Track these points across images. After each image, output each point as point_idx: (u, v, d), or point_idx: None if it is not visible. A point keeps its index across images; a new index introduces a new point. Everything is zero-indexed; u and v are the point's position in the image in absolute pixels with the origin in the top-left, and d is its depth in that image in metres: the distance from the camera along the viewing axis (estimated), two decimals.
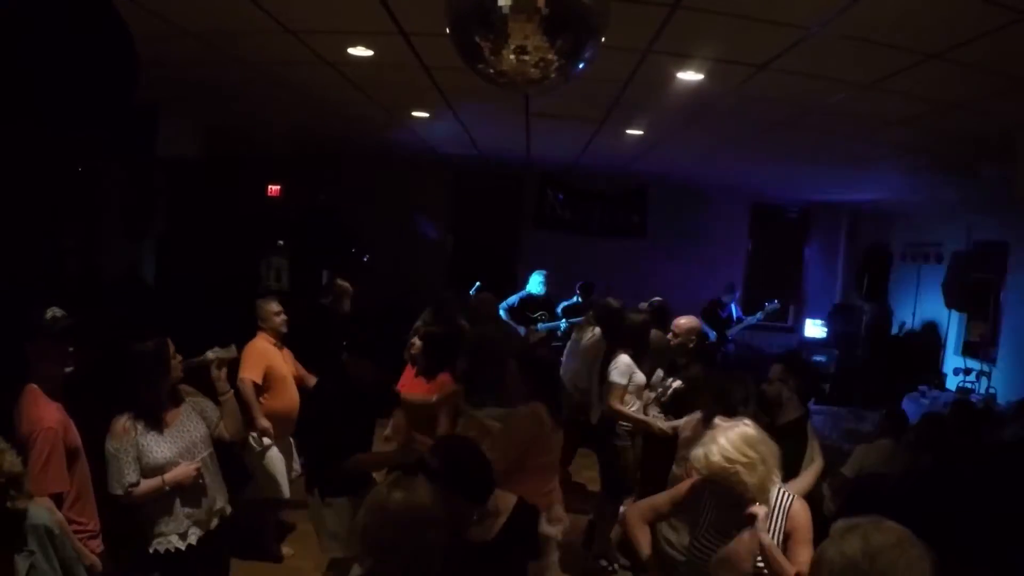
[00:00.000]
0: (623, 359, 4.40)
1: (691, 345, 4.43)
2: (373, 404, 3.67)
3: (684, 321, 4.51)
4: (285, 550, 4.51)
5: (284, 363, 4.45)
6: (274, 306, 4.48)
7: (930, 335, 8.42)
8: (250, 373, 4.20)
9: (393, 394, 3.88)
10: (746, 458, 2.24)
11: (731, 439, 2.27)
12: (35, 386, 2.62)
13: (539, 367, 3.27)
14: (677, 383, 4.23)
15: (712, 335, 8.71)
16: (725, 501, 2.33)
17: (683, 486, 2.59)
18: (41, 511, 2.23)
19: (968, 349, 7.71)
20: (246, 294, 8.19)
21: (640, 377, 4.44)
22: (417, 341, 4.10)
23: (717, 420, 2.36)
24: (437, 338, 3.98)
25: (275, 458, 4.36)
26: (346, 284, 5.99)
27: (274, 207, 10.03)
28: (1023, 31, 2.68)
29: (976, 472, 3.70)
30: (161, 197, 8.84)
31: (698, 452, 2.29)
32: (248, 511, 4.45)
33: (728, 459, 2.23)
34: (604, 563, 4.62)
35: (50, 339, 2.63)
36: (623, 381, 4.33)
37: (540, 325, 7.35)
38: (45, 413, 2.55)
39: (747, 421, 2.39)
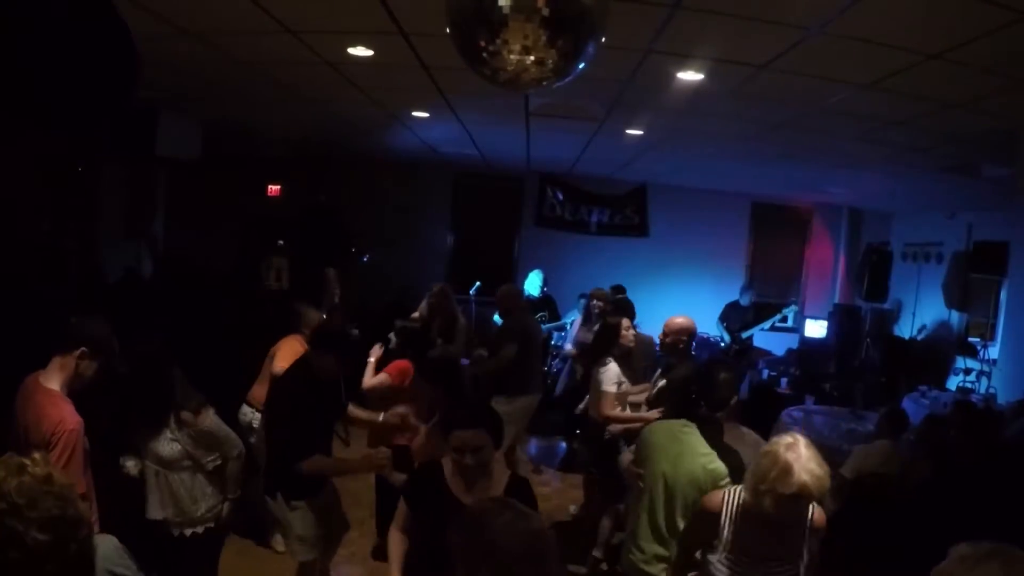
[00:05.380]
0: (612, 367, 4.44)
1: (681, 345, 4.31)
2: (334, 402, 3.60)
3: (677, 321, 4.45)
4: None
5: None
6: (317, 314, 4.80)
7: (936, 336, 8.43)
8: (287, 364, 4.39)
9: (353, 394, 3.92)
10: (823, 474, 2.21)
11: (814, 459, 2.21)
12: (49, 386, 2.61)
13: None
14: (662, 382, 4.21)
15: (727, 337, 8.71)
16: (759, 522, 2.30)
17: (700, 518, 2.54)
18: (108, 544, 1.81)
19: (968, 349, 7.71)
20: (246, 294, 8.17)
21: (627, 386, 4.48)
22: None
23: (797, 442, 2.24)
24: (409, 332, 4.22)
25: None
26: (332, 272, 6.06)
27: (274, 207, 10.02)
28: (1023, 31, 2.68)
29: (977, 472, 3.70)
30: (161, 197, 8.83)
31: (791, 475, 2.16)
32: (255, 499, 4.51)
33: (817, 478, 2.18)
34: (601, 559, 4.64)
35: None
36: (612, 389, 4.37)
37: (544, 326, 7.34)
38: (66, 414, 2.55)
39: (801, 437, 2.29)
